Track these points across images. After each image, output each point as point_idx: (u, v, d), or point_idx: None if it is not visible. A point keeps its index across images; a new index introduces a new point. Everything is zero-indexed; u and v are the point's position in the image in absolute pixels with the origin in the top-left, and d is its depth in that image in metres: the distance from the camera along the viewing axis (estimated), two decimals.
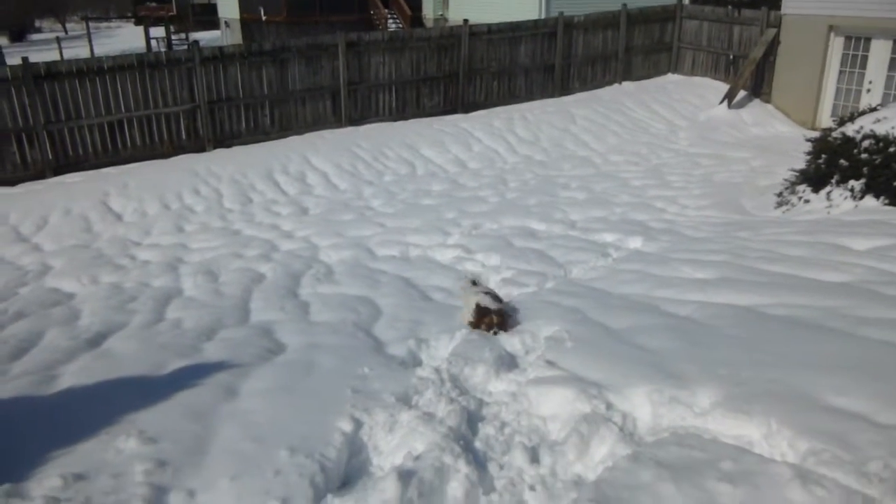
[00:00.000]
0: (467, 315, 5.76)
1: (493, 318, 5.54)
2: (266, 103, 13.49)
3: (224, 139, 13.18)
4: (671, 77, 18.54)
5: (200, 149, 12.91)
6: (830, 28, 14.54)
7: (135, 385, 4.89)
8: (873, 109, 10.25)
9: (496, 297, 5.91)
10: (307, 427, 3.96)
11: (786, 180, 10.57)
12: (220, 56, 12.76)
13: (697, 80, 17.96)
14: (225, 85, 12.92)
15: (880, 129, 9.34)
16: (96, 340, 6.07)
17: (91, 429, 4.09)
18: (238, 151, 12.98)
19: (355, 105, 14.49)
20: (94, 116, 11.85)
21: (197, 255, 8.91)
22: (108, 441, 3.94)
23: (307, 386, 4.61)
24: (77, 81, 11.60)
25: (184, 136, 12.83)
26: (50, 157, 11.65)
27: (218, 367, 5.11)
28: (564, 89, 17.25)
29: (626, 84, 17.95)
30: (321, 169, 12.55)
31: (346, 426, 3.94)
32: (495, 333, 5.40)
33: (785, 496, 2.89)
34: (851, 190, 9.27)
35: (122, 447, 3.86)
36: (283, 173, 12.25)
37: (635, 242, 8.38)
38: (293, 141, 13.59)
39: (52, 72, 11.37)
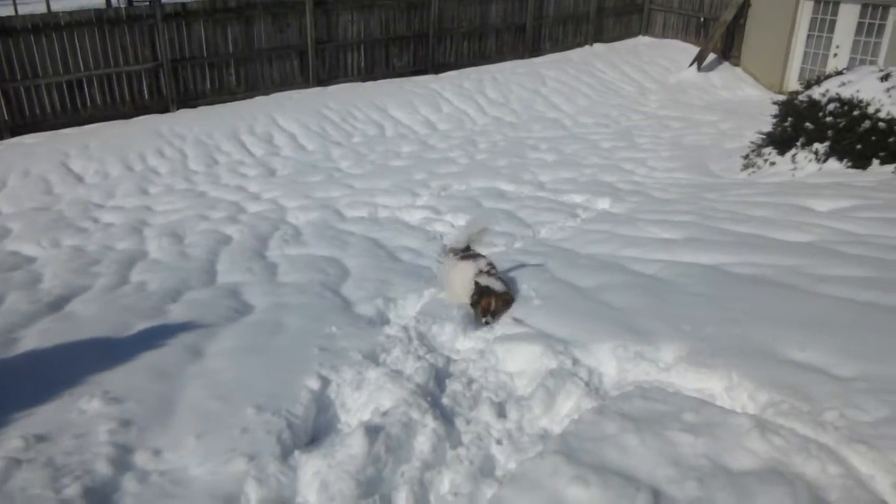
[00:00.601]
0: (459, 292, 4.89)
1: (494, 301, 4.69)
2: (231, 62, 13.16)
3: (188, 99, 12.87)
4: (642, 39, 18.50)
5: (164, 109, 12.59)
6: None
7: (98, 347, 4.82)
8: (839, 73, 10.34)
9: (497, 276, 4.95)
10: (274, 385, 3.93)
11: (753, 143, 10.67)
12: (182, 13, 12.37)
13: (668, 42, 17.94)
14: (189, 43, 12.57)
15: (845, 93, 9.43)
16: (58, 304, 5.95)
17: (53, 391, 4.02)
18: (203, 112, 12.70)
19: (323, 65, 14.22)
20: (51, 75, 11.46)
21: (161, 218, 8.76)
22: (70, 402, 3.87)
23: (274, 345, 4.58)
24: (33, 38, 11.17)
25: (146, 96, 12.49)
26: (6, 117, 11.28)
27: (183, 327, 5.05)
28: (535, 50, 17.11)
29: (598, 46, 17.86)
30: (289, 130, 12.36)
31: (314, 384, 3.92)
32: (486, 323, 4.64)
33: (744, 445, 2.95)
34: (816, 153, 9.39)
35: (86, 408, 3.80)
36: (249, 134, 12.04)
37: (604, 203, 8.42)
38: (260, 101, 13.33)
39: (5, 28, 10.93)
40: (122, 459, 3.33)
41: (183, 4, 12.34)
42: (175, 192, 9.84)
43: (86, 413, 3.77)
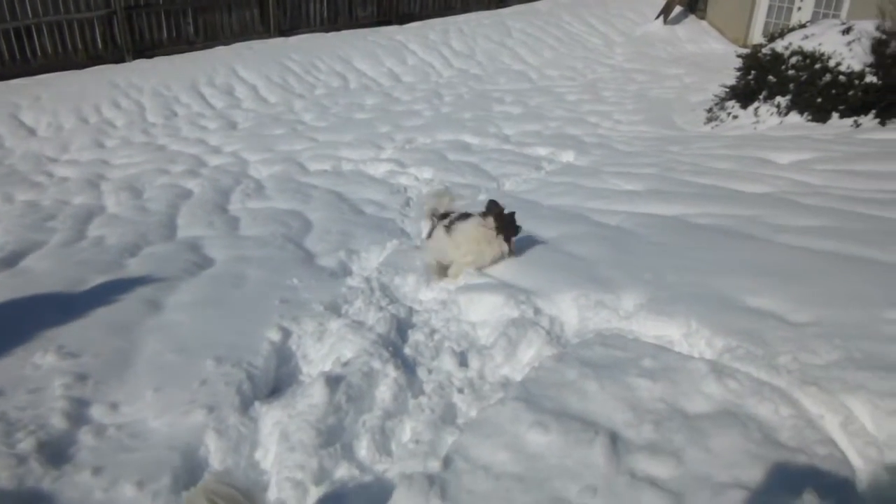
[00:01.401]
0: (474, 251, 4.46)
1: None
2: (189, 11, 12.73)
3: (145, 49, 12.45)
4: None
5: (119, 59, 12.17)
6: None
7: (54, 302, 4.70)
8: (802, 26, 10.37)
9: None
10: (234, 337, 3.89)
11: (716, 96, 10.70)
12: None
13: None
14: None
15: (808, 46, 9.47)
16: (11, 260, 5.78)
17: (6, 346, 3.92)
18: (160, 62, 12.31)
19: (285, 14, 13.84)
20: None
21: (119, 171, 8.53)
22: (24, 357, 3.79)
23: (235, 298, 4.52)
24: None
25: (100, 45, 12.05)
26: None
27: (142, 281, 4.95)
28: (501, 1, 16.85)
29: None
30: (250, 81, 12.06)
31: (275, 336, 3.89)
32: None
33: (700, 389, 3.01)
34: (778, 106, 9.46)
35: (40, 363, 3.73)
36: (209, 86, 11.72)
37: (568, 156, 8.41)
38: (219, 52, 12.96)
39: None
40: (77, 413, 3.28)
41: None
42: (133, 145, 9.58)
43: (40, 368, 3.70)
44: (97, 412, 3.31)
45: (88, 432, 3.16)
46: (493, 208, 4.58)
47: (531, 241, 5.06)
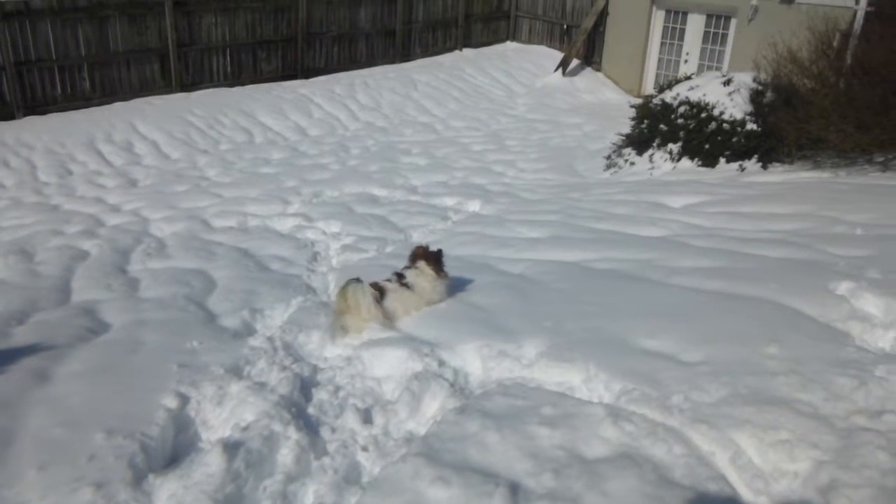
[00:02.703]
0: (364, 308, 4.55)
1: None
2: (84, 66, 12.34)
3: (37, 105, 11.97)
4: (510, 45, 18.99)
5: (8, 116, 11.63)
6: (652, 1, 15.45)
7: None
8: (688, 78, 11.06)
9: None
10: (128, 407, 3.72)
11: (614, 144, 11.22)
12: (25, 11, 11.44)
13: (534, 48, 18.51)
14: (34, 44, 11.67)
15: (694, 96, 10.10)
16: None
17: None
18: (54, 119, 11.87)
19: (186, 69, 13.66)
20: None
21: (7, 234, 8.10)
22: None
23: (130, 364, 4.34)
24: None
25: None
26: None
27: (28, 351, 4.67)
28: (406, 55, 17.19)
29: (467, 51, 18.19)
30: (150, 137, 11.78)
31: (172, 402, 3.74)
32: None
33: (598, 434, 3.08)
34: (670, 152, 9.99)
35: None
36: (107, 142, 11.38)
37: (474, 205, 8.58)
38: (118, 107, 12.60)
39: None
40: None
41: (25, 2, 11.45)
42: (23, 205, 9.14)
43: None
44: None
45: None
46: (420, 254, 5.02)
47: None
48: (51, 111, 12.05)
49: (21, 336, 5.08)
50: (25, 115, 11.76)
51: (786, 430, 2.97)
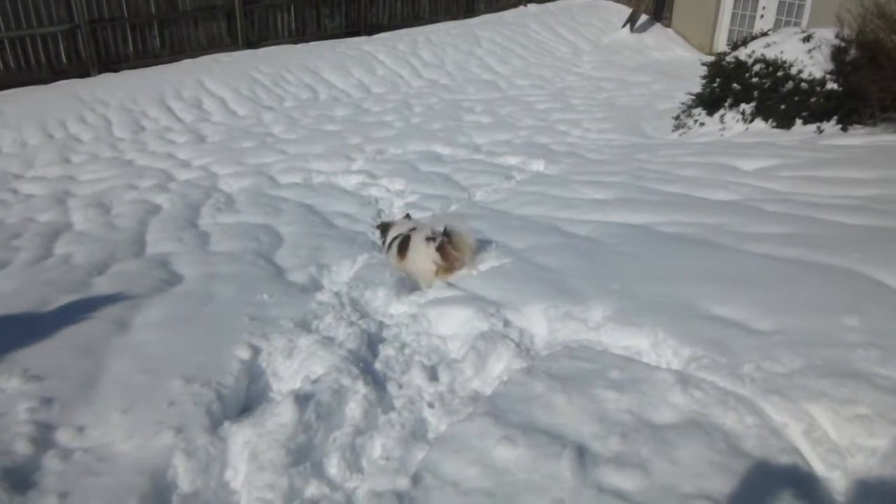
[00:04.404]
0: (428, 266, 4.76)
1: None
2: (154, 24, 12.61)
3: (110, 63, 12.31)
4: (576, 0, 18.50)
5: (84, 73, 12.01)
6: None
7: (18, 323, 4.62)
8: (764, 34, 10.57)
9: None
10: (203, 356, 3.86)
11: (683, 104, 10.86)
12: None
13: (602, 2, 17.99)
14: (107, 2, 11.96)
15: (770, 54, 9.65)
16: None
17: None
18: (127, 76, 12.19)
19: (252, 26, 13.78)
20: None
21: (86, 188, 8.42)
22: None
23: (204, 316, 4.48)
24: None
25: (64, 60, 11.89)
26: None
27: (109, 300, 4.88)
28: (469, 11, 16.93)
29: (532, 6, 17.79)
30: (218, 94, 11.98)
31: (244, 353, 3.87)
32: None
33: (666, 400, 3.05)
34: (743, 113, 9.62)
35: (4, 386, 3.66)
36: (177, 99, 11.63)
37: (538, 165, 8.48)
38: (186, 65, 12.85)
39: None
40: (43, 438, 3.23)
41: None
42: (100, 160, 9.47)
43: (4, 391, 3.63)
44: (63, 436, 3.26)
45: (54, 457, 3.10)
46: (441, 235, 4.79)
47: (501, 253, 5.09)
48: (123, 68, 12.38)
49: (102, 285, 5.30)
50: (100, 71, 12.11)
51: (864, 404, 2.88)
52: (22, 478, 2.98)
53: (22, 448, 3.14)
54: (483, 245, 5.21)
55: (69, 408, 3.47)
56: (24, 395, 3.57)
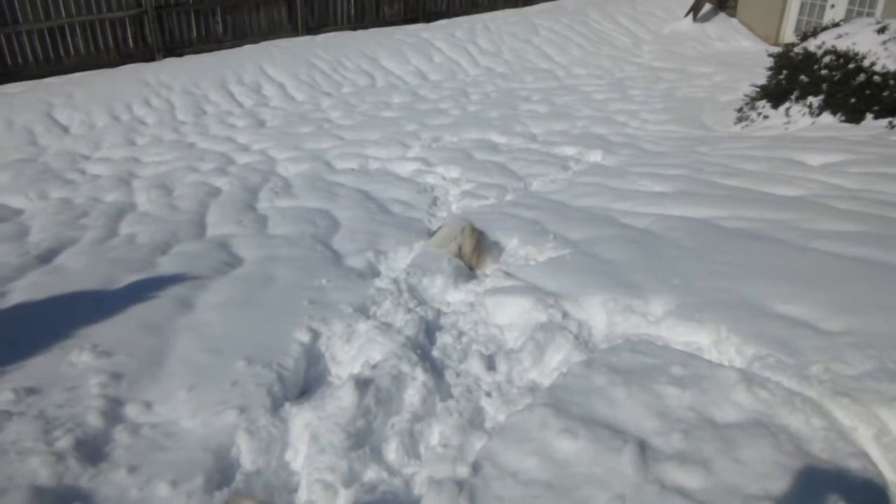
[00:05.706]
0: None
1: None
2: (218, 10, 12.84)
3: (174, 47, 12.59)
4: None
5: (149, 57, 12.32)
6: None
7: (88, 300, 4.79)
8: (836, 25, 10.20)
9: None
10: (264, 338, 3.94)
11: (746, 96, 10.57)
12: None
13: None
14: None
15: (841, 45, 9.32)
16: (47, 256, 5.90)
17: (43, 344, 4.01)
18: (190, 60, 12.44)
19: (312, 12, 13.91)
20: (32, 22, 11.14)
21: (150, 169, 8.65)
22: (60, 355, 3.87)
23: (264, 298, 4.58)
24: None
25: (131, 44, 12.20)
26: None
27: (173, 280, 5.02)
28: None
29: None
30: (277, 80, 12.15)
31: (304, 337, 3.93)
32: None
33: (730, 398, 2.99)
34: (810, 106, 9.32)
35: (76, 361, 3.81)
36: (237, 84, 11.83)
37: (595, 156, 8.37)
38: (247, 50, 13.06)
39: None
40: (113, 412, 3.35)
41: None
42: (163, 142, 9.71)
43: (76, 366, 3.77)
44: (132, 411, 3.37)
45: (124, 431, 3.22)
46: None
47: (559, 244, 5.06)
48: (187, 53, 12.64)
49: (165, 265, 5.45)
50: (164, 56, 12.40)
51: None
52: (94, 450, 3.10)
53: (93, 420, 3.26)
54: (540, 235, 5.19)
55: (137, 383, 3.59)
56: (95, 370, 3.70)
